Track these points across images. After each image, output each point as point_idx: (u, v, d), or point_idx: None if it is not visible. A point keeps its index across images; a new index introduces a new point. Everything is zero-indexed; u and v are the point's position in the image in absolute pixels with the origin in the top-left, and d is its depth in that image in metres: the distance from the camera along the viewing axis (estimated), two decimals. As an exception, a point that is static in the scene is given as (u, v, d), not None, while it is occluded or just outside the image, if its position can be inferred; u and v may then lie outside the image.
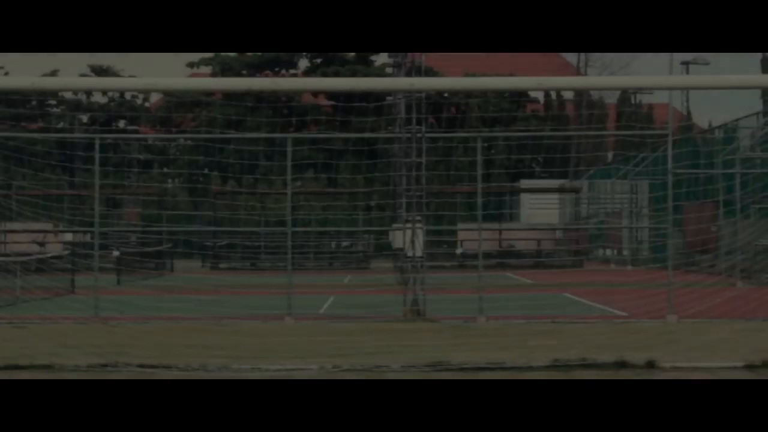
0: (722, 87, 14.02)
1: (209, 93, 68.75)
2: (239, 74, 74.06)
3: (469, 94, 64.97)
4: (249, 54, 76.53)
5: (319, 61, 74.81)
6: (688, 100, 59.32)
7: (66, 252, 33.46)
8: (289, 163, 24.36)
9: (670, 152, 24.01)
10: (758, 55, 72.95)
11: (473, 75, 57.72)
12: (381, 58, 70.97)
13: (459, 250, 44.68)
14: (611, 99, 71.53)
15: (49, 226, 39.75)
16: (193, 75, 73.81)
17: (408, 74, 28.31)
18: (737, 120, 36.84)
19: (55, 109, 73.89)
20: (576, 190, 53.97)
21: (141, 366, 14.49)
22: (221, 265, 46.98)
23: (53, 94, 69.87)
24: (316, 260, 49.39)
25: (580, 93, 68.65)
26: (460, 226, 43.86)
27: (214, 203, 50.71)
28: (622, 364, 14.23)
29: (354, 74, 67.24)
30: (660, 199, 34.95)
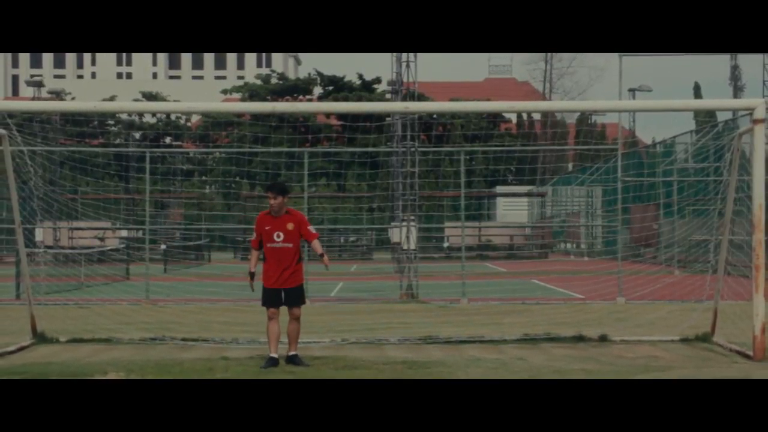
0: (662, 110, 14.03)
1: (240, 114, 68.65)
2: (264, 99, 73.97)
3: (453, 115, 64.90)
4: (272, 82, 76.48)
5: (330, 88, 74.86)
6: (634, 121, 59.14)
7: (122, 246, 33.41)
8: (305, 172, 24.37)
9: (619, 163, 24.02)
10: (692, 83, 73.09)
11: (457, 100, 57.64)
12: (382, 86, 70.90)
13: (446, 244, 44.68)
14: (571, 119, 71.50)
15: (107, 224, 39.67)
16: (226, 100, 73.85)
17: (404, 99, 28.27)
18: (675, 137, 36.79)
19: (113, 128, 73.81)
20: (542, 195, 53.95)
21: (183, 339, 14.51)
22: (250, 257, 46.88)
23: (111, 115, 69.82)
24: (327, 252, 49.24)
25: (546, 114, 68.51)
26: (447, 224, 43.88)
27: (244, 205, 50.62)
28: (579, 338, 14.23)
29: (359, 99, 67.18)
30: (611, 202, 34.94)
